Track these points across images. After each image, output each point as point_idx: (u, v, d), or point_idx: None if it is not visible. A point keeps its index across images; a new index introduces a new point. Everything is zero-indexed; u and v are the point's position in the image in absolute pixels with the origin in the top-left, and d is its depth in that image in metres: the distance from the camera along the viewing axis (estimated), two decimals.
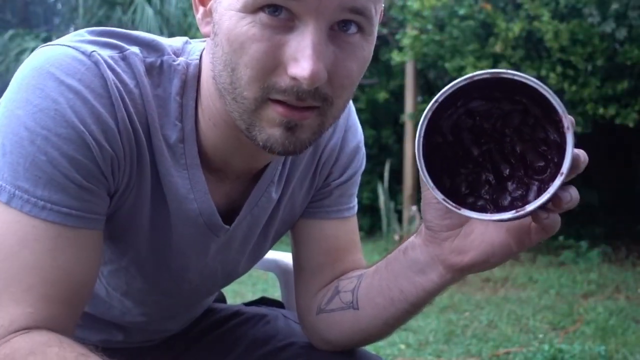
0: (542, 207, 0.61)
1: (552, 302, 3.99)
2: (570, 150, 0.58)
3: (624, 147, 6.13)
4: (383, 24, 7.22)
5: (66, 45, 0.74)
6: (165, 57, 0.79)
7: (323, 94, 0.69)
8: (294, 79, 0.67)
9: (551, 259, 5.27)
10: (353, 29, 0.69)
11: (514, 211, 0.58)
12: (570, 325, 3.47)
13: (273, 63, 0.67)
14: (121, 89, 0.74)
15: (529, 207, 0.58)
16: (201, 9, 0.76)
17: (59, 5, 11.88)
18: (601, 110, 4.89)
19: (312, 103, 0.69)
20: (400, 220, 6.28)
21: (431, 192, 0.72)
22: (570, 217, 6.29)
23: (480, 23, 5.21)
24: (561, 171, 0.57)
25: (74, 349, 0.68)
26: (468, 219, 0.71)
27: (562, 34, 4.74)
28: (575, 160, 0.61)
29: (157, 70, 0.78)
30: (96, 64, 0.73)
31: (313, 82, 0.66)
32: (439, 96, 0.62)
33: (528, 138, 0.64)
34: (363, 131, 1.01)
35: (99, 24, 9.31)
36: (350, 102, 0.98)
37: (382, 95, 6.67)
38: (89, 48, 0.74)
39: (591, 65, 4.91)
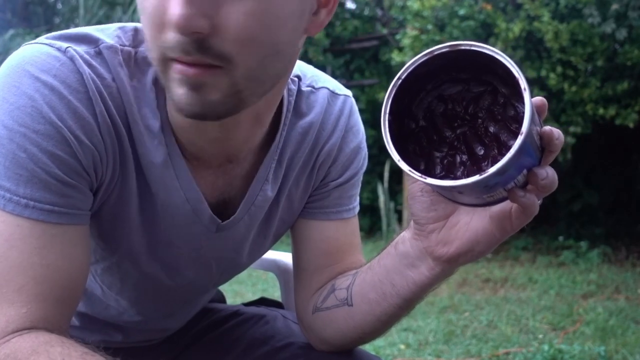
0: (512, 178, 0.60)
1: (552, 302, 3.99)
2: (529, 109, 0.57)
3: (624, 147, 6.12)
4: (383, 24, 7.23)
5: (41, 43, 0.74)
6: (140, 49, 0.79)
7: (217, 51, 0.65)
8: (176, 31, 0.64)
9: (551, 259, 5.27)
10: None
11: (478, 175, 0.57)
12: (570, 326, 3.47)
13: (160, 20, 0.65)
14: (98, 82, 0.74)
15: (492, 169, 0.56)
16: None
17: (59, 5, 11.88)
18: (601, 111, 4.89)
19: (204, 60, 0.65)
20: (400, 220, 6.28)
21: (416, 186, 0.73)
22: (570, 217, 6.29)
23: (480, 23, 5.21)
24: (521, 131, 0.56)
25: (76, 348, 0.68)
26: (453, 210, 0.72)
27: (562, 34, 4.74)
28: (547, 135, 0.62)
29: (133, 62, 0.78)
30: (71, 59, 0.73)
31: (183, 28, 0.62)
32: (402, 73, 0.62)
33: (500, 118, 0.64)
34: (364, 131, 1.00)
35: (99, 23, 9.27)
36: (354, 102, 0.98)
37: (382, 95, 6.66)
38: (64, 44, 0.74)
39: (591, 65, 4.91)
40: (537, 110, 0.62)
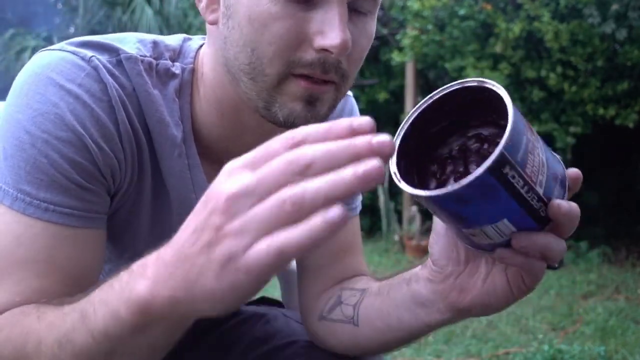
0: (486, 221, 0.60)
1: (552, 302, 3.99)
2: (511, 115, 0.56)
3: (624, 148, 6.12)
4: (383, 24, 7.23)
5: (65, 51, 0.75)
6: (161, 61, 0.80)
7: (342, 70, 0.72)
8: (321, 51, 0.69)
9: None
10: (364, 10, 0.73)
11: (451, 185, 0.57)
12: (569, 326, 3.47)
13: (297, 39, 0.69)
14: (121, 92, 0.75)
15: (465, 180, 0.56)
16: None
17: (59, 5, 11.88)
18: (601, 111, 4.89)
19: (334, 77, 0.72)
20: (400, 220, 6.28)
21: (440, 224, 0.71)
22: None
23: (480, 23, 5.21)
24: (491, 155, 0.55)
25: (49, 306, 0.69)
26: (474, 257, 0.70)
27: (562, 34, 4.74)
28: (554, 207, 0.60)
29: (155, 72, 0.79)
30: (95, 69, 0.74)
31: (343, 50, 0.68)
32: (422, 103, 0.64)
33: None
34: None
35: (99, 24, 9.32)
36: (354, 101, 0.99)
37: (382, 95, 6.67)
38: (88, 53, 0.75)
39: (591, 65, 4.91)
40: (570, 181, 0.63)
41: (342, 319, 0.90)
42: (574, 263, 5.09)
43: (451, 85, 0.63)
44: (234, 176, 0.49)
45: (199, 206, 0.52)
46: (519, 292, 0.68)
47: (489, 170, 0.56)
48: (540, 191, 0.60)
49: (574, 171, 0.64)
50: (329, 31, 0.68)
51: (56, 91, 0.72)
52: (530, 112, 5.05)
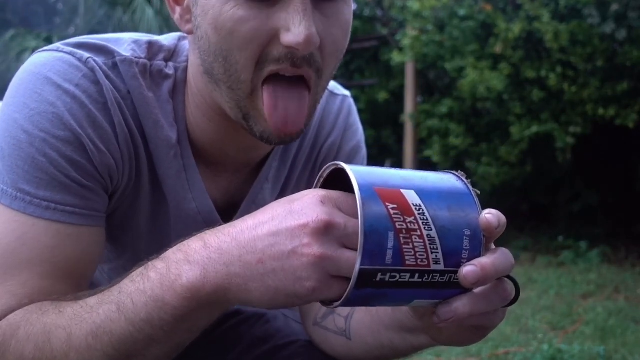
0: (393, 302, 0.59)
1: (552, 302, 3.99)
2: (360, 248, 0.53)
3: (623, 148, 6.13)
4: (383, 24, 7.24)
5: (62, 52, 0.75)
6: (155, 62, 0.81)
7: (317, 63, 0.71)
8: (288, 47, 0.68)
9: (550, 259, 5.27)
10: None
11: (331, 305, 0.57)
12: (569, 326, 3.48)
13: (266, 38, 0.69)
14: (117, 94, 0.76)
15: (341, 300, 0.55)
16: (178, 9, 0.77)
17: (60, 5, 11.90)
18: (601, 111, 4.89)
19: (308, 72, 0.71)
20: None
21: None
22: (570, 217, 6.27)
23: (480, 24, 5.22)
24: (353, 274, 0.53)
25: (51, 303, 0.70)
26: None
27: (562, 34, 4.74)
28: (484, 227, 0.58)
29: (149, 74, 0.80)
30: (92, 70, 0.75)
31: (308, 45, 0.67)
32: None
33: None
34: (363, 131, 1.01)
35: (99, 24, 9.32)
36: (352, 102, 0.99)
37: (382, 96, 6.67)
38: (85, 54, 0.75)
39: (591, 66, 4.91)
40: (483, 232, 0.58)
41: (335, 330, 0.89)
42: (573, 263, 5.10)
43: (328, 166, 0.61)
44: (329, 207, 0.55)
45: (283, 212, 0.57)
46: (485, 329, 0.67)
47: (357, 287, 0.54)
48: (439, 267, 0.56)
49: (483, 222, 0.58)
50: (293, 27, 0.67)
51: (53, 91, 0.72)
52: (530, 112, 5.05)
